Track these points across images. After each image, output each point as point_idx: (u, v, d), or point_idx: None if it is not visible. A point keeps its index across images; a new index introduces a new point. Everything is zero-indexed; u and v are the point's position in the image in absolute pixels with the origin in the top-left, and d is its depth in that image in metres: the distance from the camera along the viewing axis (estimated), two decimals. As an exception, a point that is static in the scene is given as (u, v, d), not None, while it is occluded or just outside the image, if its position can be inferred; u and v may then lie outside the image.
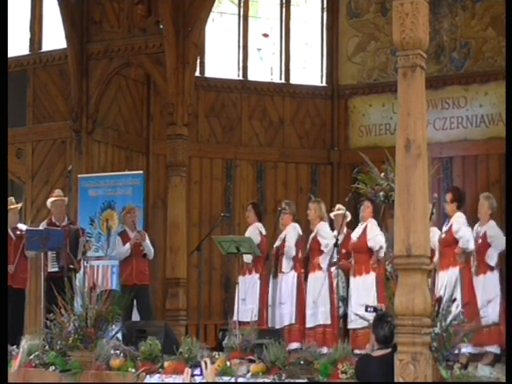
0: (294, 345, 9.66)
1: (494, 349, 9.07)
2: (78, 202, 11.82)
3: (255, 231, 10.46)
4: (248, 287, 10.33)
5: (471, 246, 9.30)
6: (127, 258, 10.74)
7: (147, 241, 10.77)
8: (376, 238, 9.61)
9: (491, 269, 9.37)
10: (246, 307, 10.15)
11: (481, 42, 13.87)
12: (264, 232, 10.56)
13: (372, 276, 9.61)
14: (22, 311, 10.74)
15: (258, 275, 10.37)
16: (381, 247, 9.54)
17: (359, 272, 9.74)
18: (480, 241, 9.42)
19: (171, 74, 11.78)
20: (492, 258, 9.35)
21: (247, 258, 10.34)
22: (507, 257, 6.88)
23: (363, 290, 9.60)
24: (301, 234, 10.32)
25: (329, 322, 9.85)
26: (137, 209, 11.10)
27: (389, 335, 6.37)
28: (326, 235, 10.04)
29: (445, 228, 9.48)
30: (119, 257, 10.90)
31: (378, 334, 6.43)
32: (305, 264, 10.29)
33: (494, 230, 9.43)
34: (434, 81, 13.32)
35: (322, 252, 10.02)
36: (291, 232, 10.26)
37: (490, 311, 9.08)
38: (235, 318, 9.81)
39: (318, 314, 9.92)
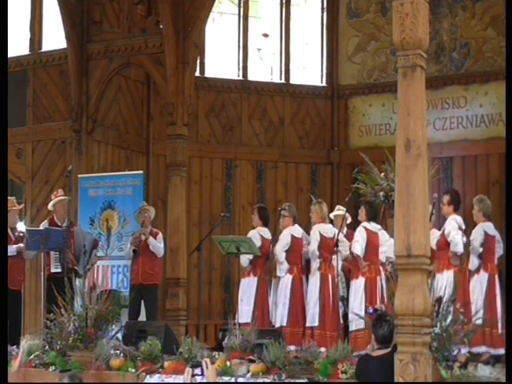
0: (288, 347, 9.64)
1: (484, 349, 9.08)
2: (78, 202, 11.81)
3: (256, 235, 10.43)
4: (246, 289, 10.32)
5: (460, 250, 9.26)
6: (135, 257, 10.79)
7: (151, 239, 10.75)
8: (353, 244, 9.69)
9: (476, 272, 9.38)
10: (243, 308, 10.14)
11: (481, 41, 13.87)
12: (267, 237, 10.48)
13: (361, 280, 9.66)
14: (19, 312, 10.78)
15: (256, 278, 10.33)
16: (358, 255, 9.61)
17: (351, 276, 9.89)
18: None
19: (171, 74, 11.78)
20: (471, 262, 9.38)
21: (243, 262, 10.31)
22: (507, 257, 6.87)
23: (353, 294, 9.68)
24: (298, 236, 10.26)
25: (316, 324, 9.85)
26: (150, 208, 11.12)
27: (388, 335, 6.38)
28: (311, 240, 10.05)
29: (440, 230, 9.48)
30: (127, 256, 10.99)
31: (377, 334, 6.44)
32: (306, 265, 10.26)
33: (472, 234, 9.46)
34: (434, 81, 13.32)
35: None
36: (282, 237, 10.23)
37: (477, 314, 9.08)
38: (236, 319, 9.80)
39: (309, 316, 9.94)
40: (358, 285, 9.66)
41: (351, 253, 9.80)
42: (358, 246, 9.63)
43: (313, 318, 9.87)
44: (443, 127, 13.95)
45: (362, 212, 9.87)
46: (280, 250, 10.07)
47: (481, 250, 9.34)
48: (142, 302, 10.76)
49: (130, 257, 10.91)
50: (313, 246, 9.96)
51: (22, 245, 10.40)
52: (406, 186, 6.35)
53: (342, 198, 12.28)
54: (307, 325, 9.91)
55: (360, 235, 9.72)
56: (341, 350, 7.48)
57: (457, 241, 9.23)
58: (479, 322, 8.90)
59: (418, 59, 6.43)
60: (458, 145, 13.79)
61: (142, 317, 10.70)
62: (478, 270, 9.39)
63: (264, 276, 10.33)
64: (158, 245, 10.84)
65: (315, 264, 9.95)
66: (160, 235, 10.97)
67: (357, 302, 9.53)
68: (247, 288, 10.30)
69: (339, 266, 9.98)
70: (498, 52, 13.52)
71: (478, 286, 9.34)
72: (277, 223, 10.55)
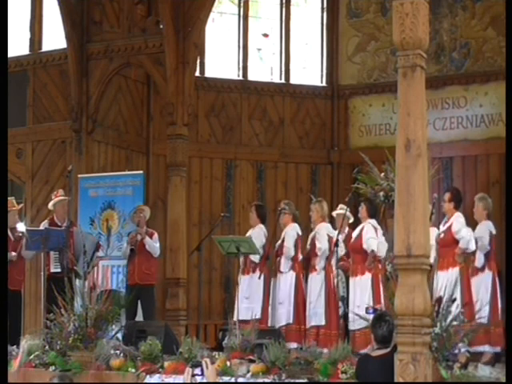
0: (291, 344, 9.63)
1: (486, 348, 9.09)
2: (78, 202, 11.82)
3: (260, 232, 10.46)
4: (250, 286, 10.30)
5: (472, 247, 9.28)
6: (131, 257, 10.77)
7: (148, 238, 10.74)
8: (368, 241, 9.64)
9: (481, 270, 9.38)
10: (248, 305, 10.14)
11: (481, 41, 13.87)
12: (266, 233, 10.55)
13: (367, 277, 9.62)
14: (20, 312, 10.78)
15: (262, 275, 10.33)
16: (372, 251, 9.58)
17: (355, 273, 9.74)
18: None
19: (171, 73, 11.78)
20: (478, 259, 9.37)
21: (254, 257, 10.32)
22: (507, 257, 6.87)
23: (360, 291, 9.60)
24: (300, 234, 10.31)
25: (323, 323, 9.85)
26: (145, 208, 11.11)
27: (387, 335, 6.37)
28: (321, 239, 10.03)
29: (443, 228, 9.45)
30: (123, 256, 10.97)
31: (376, 334, 6.43)
32: (305, 264, 10.28)
33: (479, 232, 9.45)
34: (434, 81, 13.31)
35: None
36: (290, 232, 10.27)
37: (481, 312, 9.08)
38: (236, 318, 9.81)
39: (313, 315, 9.93)
40: (365, 281, 9.58)
41: (361, 249, 9.71)
42: (375, 242, 9.58)
43: (319, 316, 9.86)
44: (443, 127, 13.95)
45: (363, 209, 9.84)
46: (292, 245, 10.10)
47: (489, 247, 9.33)
48: (139, 302, 10.74)
49: (126, 256, 10.89)
50: (325, 245, 9.92)
51: (13, 253, 10.37)
52: (406, 186, 6.35)
53: (341, 197, 12.27)
54: (312, 324, 9.89)
55: (373, 232, 9.66)
56: (341, 350, 7.48)
57: (469, 237, 9.21)
58: (484, 320, 8.93)
59: (418, 59, 6.42)
60: (458, 145, 13.79)
61: (139, 317, 10.68)
62: (483, 268, 9.39)
63: (267, 274, 10.35)
64: (154, 244, 10.82)
65: (322, 263, 9.93)
66: (156, 235, 10.96)
67: (365, 298, 9.43)
68: (251, 285, 10.27)
69: (334, 266, 9.98)
70: (498, 52, 13.52)
71: (483, 284, 9.34)
72: (277, 222, 10.56)
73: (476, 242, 9.36)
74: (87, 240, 10.45)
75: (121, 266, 11.34)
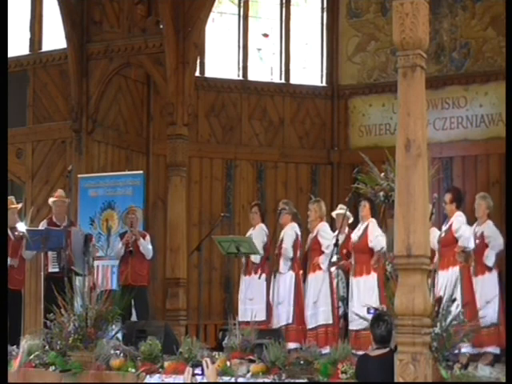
0: (292, 345, 9.64)
1: (493, 349, 9.08)
2: (77, 202, 11.82)
3: (262, 232, 10.46)
4: (254, 287, 10.29)
5: (471, 245, 9.27)
6: (124, 258, 10.73)
7: (142, 240, 10.69)
8: (376, 239, 9.55)
9: (489, 269, 9.37)
10: (250, 307, 10.13)
11: (481, 41, 13.87)
12: (267, 233, 10.55)
13: (373, 276, 9.57)
14: (20, 312, 10.77)
15: (260, 275, 10.34)
16: (382, 248, 9.50)
17: (360, 272, 9.66)
18: (478, 241, 9.42)
19: (171, 73, 11.78)
20: (490, 258, 9.35)
21: (255, 258, 10.32)
22: (507, 257, 6.87)
23: (365, 291, 9.54)
24: (299, 233, 10.32)
25: (330, 321, 9.86)
26: (138, 209, 11.07)
27: (386, 335, 6.38)
28: (326, 236, 10.03)
29: (444, 228, 9.46)
30: (116, 256, 10.93)
31: (375, 334, 6.44)
32: (303, 264, 10.27)
33: (491, 230, 9.43)
34: (434, 81, 13.32)
35: (322, 252, 10.02)
36: (288, 232, 10.27)
37: (490, 312, 9.09)
38: (240, 318, 9.79)
39: (320, 314, 9.92)
40: (371, 281, 9.52)
41: (367, 248, 9.66)
42: (384, 240, 9.34)
43: (326, 315, 9.85)
44: (443, 127, 13.95)
45: (365, 207, 9.73)
46: (290, 245, 10.08)
47: (502, 246, 9.29)
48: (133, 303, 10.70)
49: (119, 257, 10.85)
50: (330, 242, 9.89)
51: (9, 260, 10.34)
52: (406, 186, 6.35)
53: (341, 198, 12.27)
54: (322, 323, 9.87)
55: (379, 230, 9.55)
56: (341, 350, 7.48)
57: (468, 235, 9.21)
58: (495, 321, 8.93)
59: (418, 59, 6.42)
60: (458, 145, 13.79)
61: (133, 318, 10.64)
62: (491, 268, 9.37)
63: (268, 275, 10.36)
64: (147, 247, 10.77)
65: (328, 262, 9.90)
66: (148, 237, 10.92)
67: (372, 299, 9.35)
68: (253, 286, 10.26)
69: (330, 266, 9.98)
70: (498, 52, 13.52)
71: (491, 283, 9.32)
72: (277, 222, 10.57)
73: (482, 240, 9.34)
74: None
75: (121, 266, 11.33)
